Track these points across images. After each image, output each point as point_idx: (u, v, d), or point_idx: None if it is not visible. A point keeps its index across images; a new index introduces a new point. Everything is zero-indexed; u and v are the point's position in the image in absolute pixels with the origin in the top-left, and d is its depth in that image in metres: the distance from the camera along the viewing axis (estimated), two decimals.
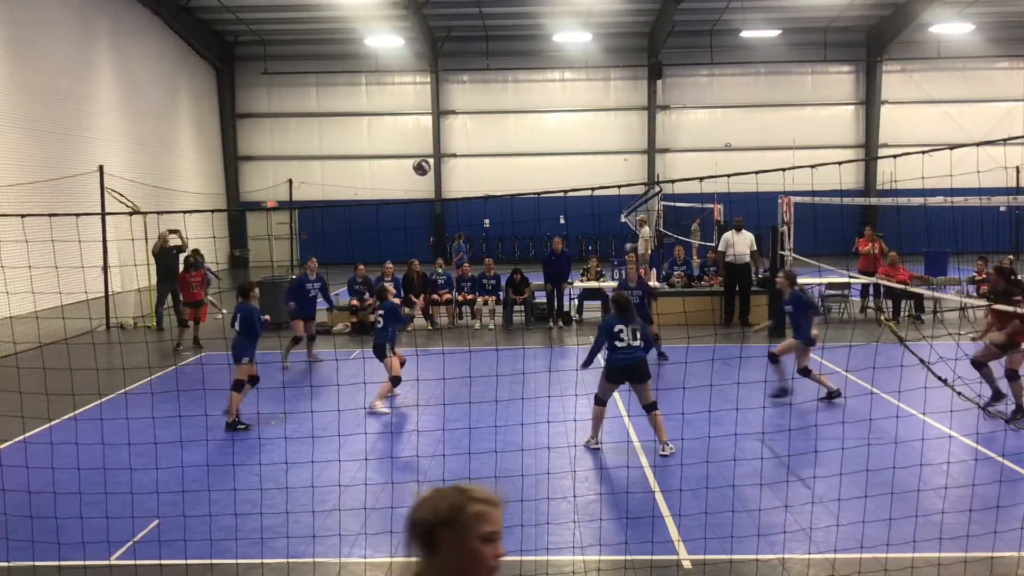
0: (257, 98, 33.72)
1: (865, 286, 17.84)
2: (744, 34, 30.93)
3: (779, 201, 17.18)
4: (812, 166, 6.15)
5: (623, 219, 24.44)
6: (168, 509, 7.16)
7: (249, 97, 33.73)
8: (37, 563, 6.15)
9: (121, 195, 17.86)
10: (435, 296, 17.53)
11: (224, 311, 17.82)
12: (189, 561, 6.12)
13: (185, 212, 7.13)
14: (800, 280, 11.67)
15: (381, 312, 10.96)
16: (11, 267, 8.09)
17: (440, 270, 18.05)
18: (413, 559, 2.20)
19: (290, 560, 6.26)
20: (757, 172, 5.89)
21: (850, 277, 17.19)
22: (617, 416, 9.95)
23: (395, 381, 10.79)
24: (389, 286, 13.07)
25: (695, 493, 7.10)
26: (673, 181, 9.66)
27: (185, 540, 6.34)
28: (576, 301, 17.98)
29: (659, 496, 7.52)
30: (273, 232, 31.95)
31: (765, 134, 32.25)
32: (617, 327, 8.73)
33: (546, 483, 7.52)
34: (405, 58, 32.50)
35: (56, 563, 6.09)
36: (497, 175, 32.39)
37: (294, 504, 7.19)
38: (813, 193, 16.22)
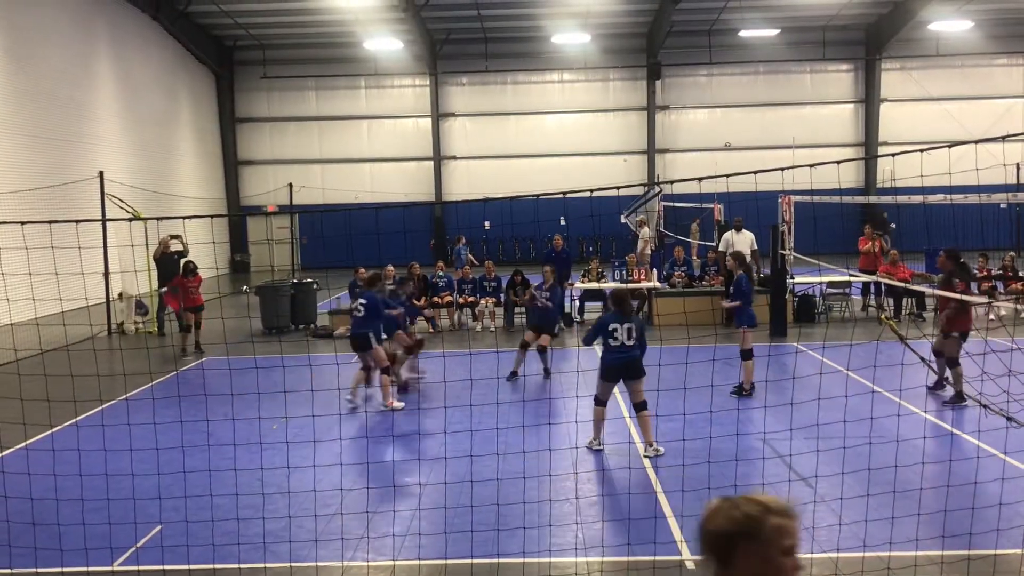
0: (257, 102, 33.76)
1: (866, 284, 17.83)
2: (743, 33, 30.92)
3: (779, 200, 17.18)
4: (811, 165, 6.14)
5: (623, 220, 24.46)
6: (170, 514, 7.15)
7: (249, 101, 33.76)
8: (40, 570, 6.16)
9: (121, 201, 17.87)
10: (436, 299, 17.56)
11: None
12: (192, 566, 6.13)
13: (185, 217, 7.14)
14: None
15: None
16: (12, 274, 8.09)
17: (441, 272, 18.12)
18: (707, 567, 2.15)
19: (293, 564, 6.26)
20: (756, 172, 5.88)
21: (850, 276, 17.18)
22: (619, 417, 9.95)
23: (386, 370, 10.93)
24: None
25: (697, 493, 7.07)
26: (673, 181, 9.69)
27: (187, 545, 6.34)
28: (577, 302, 17.97)
29: (661, 497, 7.52)
30: (274, 236, 31.98)
31: (765, 133, 32.24)
32: (612, 326, 8.75)
33: (548, 485, 7.51)
34: (404, 61, 32.52)
35: (59, 569, 6.09)
36: (497, 177, 32.40)
37: (296, 508, 7.20)
38: (813, 192, 16.20)
